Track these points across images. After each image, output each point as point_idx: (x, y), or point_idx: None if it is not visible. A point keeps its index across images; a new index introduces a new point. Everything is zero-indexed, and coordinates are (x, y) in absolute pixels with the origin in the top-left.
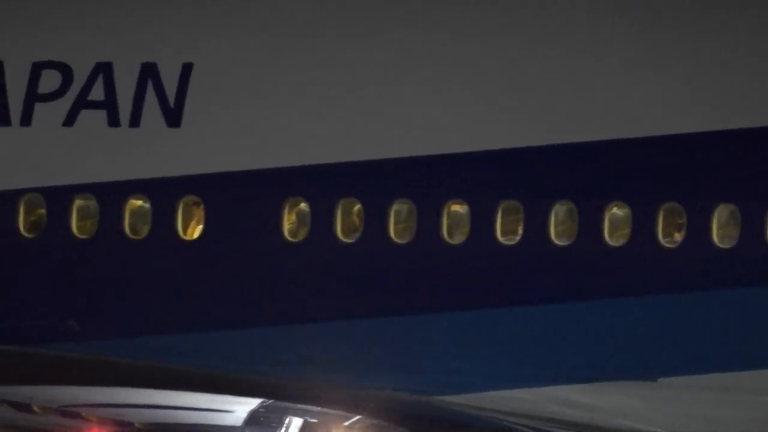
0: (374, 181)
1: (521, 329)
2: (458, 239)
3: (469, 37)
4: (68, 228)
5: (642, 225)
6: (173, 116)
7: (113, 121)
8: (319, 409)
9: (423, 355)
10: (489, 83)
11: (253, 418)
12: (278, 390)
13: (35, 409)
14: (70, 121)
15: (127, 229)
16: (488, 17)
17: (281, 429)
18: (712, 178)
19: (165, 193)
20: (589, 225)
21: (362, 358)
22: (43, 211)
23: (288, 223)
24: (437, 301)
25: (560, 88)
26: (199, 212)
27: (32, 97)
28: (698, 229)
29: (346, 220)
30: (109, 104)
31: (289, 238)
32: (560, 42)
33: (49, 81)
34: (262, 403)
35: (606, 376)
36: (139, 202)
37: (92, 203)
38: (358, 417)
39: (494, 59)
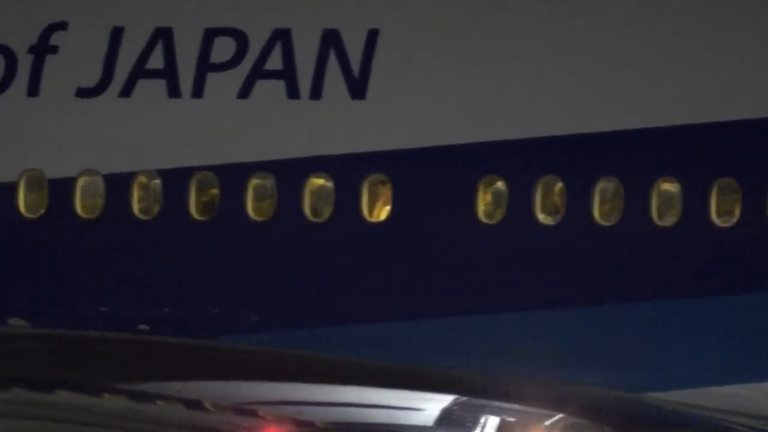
0: (577, 157)
1: (740, 319)
2: (669, 220)
3: (678, 4)
4: (244, 209)
5: None
6: (358, 87)
7: (292, 92)
8: (517, 406)
9: (630, 347)
10: (701, 50)
11: (446, 416)
12: (473, 385)
13: (208, 406)
14: (245, 92)
15: (307, 211)
16: None
17: (477, 428)
18: None
19: (349, 171)
20: None
21: (564, 351)
22: (216, 191)
23: (483, 203)
24: (645, 288)
25: None
26: (386, 192)
27: (204, 66)
28: None
29: (547, 200)
30: (288, 74)
31: (484, 220)
32: None
33: (223, 49)
34: (455, 399)
35: None
36: (321, 181)
37: (270, 182)
38: (560, 415)
39: (701, 26)
